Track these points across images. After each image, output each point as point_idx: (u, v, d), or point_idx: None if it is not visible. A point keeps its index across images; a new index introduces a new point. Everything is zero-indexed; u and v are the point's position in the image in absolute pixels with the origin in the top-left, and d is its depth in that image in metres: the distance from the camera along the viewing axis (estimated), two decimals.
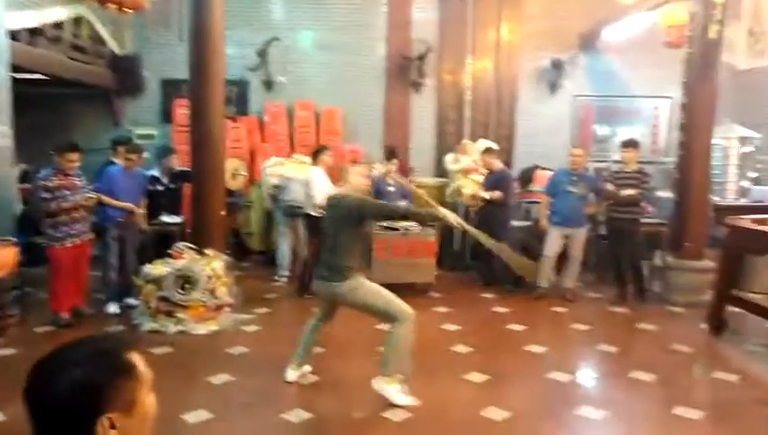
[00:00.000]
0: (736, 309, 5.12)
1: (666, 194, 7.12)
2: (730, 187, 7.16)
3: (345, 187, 3.89)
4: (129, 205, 5.50)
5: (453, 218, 3.82)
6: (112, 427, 1.04)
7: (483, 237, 4.16)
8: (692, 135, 5.99)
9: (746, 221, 5.00)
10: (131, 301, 5.51)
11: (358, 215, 3.68)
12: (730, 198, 7.06)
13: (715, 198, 6.73)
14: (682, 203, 6.08)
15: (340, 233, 3.70)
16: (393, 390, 3.60)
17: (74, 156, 5.02)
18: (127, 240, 5.65)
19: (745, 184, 7.18)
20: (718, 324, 5.07)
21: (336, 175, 6.86)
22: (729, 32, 6.56)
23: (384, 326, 4.97)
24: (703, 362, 4.65)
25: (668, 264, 6.14)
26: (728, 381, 4.13)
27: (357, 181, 3.86)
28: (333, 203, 3.84)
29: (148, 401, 1.13)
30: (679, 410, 3.61)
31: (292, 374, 3.96)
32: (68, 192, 4.99)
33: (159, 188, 6.32)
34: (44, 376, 1.05)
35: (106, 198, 5.35)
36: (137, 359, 1.13)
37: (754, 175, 7.28)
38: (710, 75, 5.87)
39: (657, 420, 3.60)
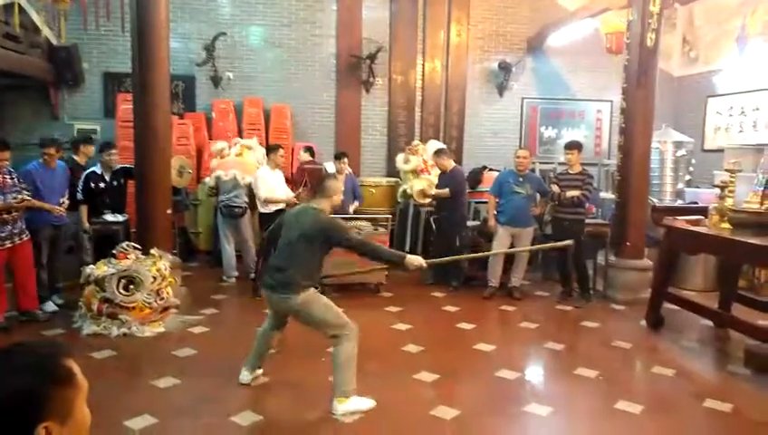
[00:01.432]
0: (673, 306, 5.37)
1: (608, 195, 7.39)
2: (666, 189, 7.49)
3: (321, 202, 3.64)
4: (50, 206, 5.21)
5: (419, 263, 3.63)
6: None
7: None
8: (631, 139, 6.23)
9: (681, 222, 5.25)
10: (54, 301, 5.47)
11: (325, 239, 3.52)
12: (667, 200, 7.39)
13: (654, 200, 7.03)
14: (623, 204, 6.32)
15: (303, 248, 3.51)
16: (355, 403, 3.53)
17: (4, 154, 4.76)
18: (58, 239, 5.51)
19: (680, 186, 7.53)
20: (656, 321, 5.30)
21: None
22: (665, 40, 6.85)
23: None
24: (642, 358, 4.85)
25: (610, 263, 6.37)
26: (666, 375, 4.31)
27: (335, 200, 3.67)
28: (302, 214, 3.63)
29: (85, 410, 1.11)
30: (621, 405, 3.75)
31: (246, 376, 3.89)
32: None
33: (101, 185, 6.07)
34: None
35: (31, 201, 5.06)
36: (75, 366, 1.10)
37: (688, 177, 7.65)
38: (647, 82, 6.11)
39: (601, 415, 3.72)
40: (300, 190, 6.49)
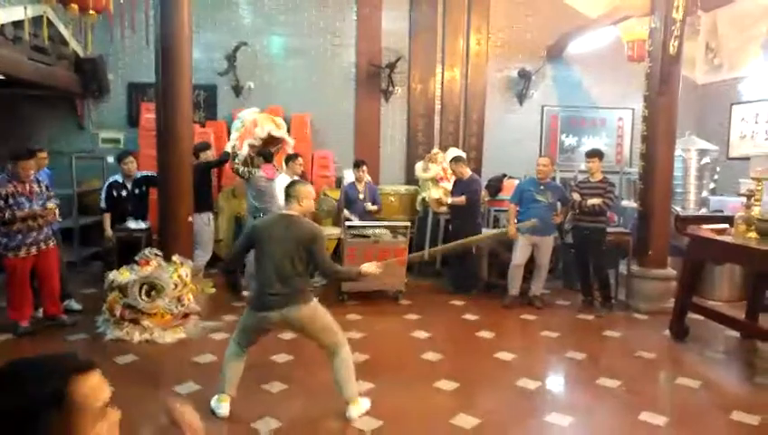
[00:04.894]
0: (698, 316, 5.27)
1: (630, 203, 7.30)
2: (690, 197, 7.37)
3: (294, 208, 3.56)
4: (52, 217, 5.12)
5: (373, 268, 3.62)
6: None
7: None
8: (653, 147, 6.16)
9: (707, 231, 5.16)
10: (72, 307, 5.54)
11: (307, 250, 3.47)
12: (691, 209, 7.27)
13: (677, 208, 6.93)
14: (646, 213, 6.24)
15: (302, 256, 3.47)
16: (363, 403, 3.64)
17: (29, 163, 4.86)
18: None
19: (705, 194, 7.41)
20: (680, 331, 5.21)
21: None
22: (688, 47, 6.77)
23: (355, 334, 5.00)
24: (666, 369, 4.76)
25: (633, 272, 6.28)
26: (691, 387, 4.23)
27: (307, 205, 3.60)
28: (290, 224, 3.50)
29: (98, 429, 1.07)
30: (645, 416, 3.68)
31: (226, 409, 3.55)
32: (23, 199, 4.82)
33: (123, 193, 6.18)
34: None
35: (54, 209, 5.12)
36: (86, 385, 1.06)
37: (712, 186, 7.52)
38: (670, 89, 6.04)
39: (624, 427, 3.66)
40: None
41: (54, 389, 1.02)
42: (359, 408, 3.59)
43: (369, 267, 3.60)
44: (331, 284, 6.00)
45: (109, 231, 6.01)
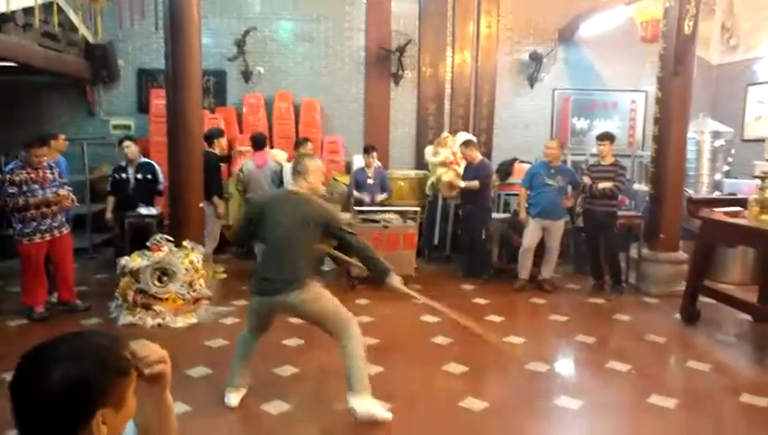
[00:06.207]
0: (709, 299, 5.23)
1: (642, 187, 7.23)
2: (703, 180, 7.29)
3: (301, 185, 3.35)
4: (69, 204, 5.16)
5: (398, 284, 3.36)
6: (103, 422, 1.05)
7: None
8: (666, 129, 6.08)
9: (719, 214, 5.10)
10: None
11: (324, 227, 3.28)
12: (703, 191, 7.19)
13: (689, 191, 6.86)
14: (657, 196, 6.18)
15: (306, 237, 3.26)
16: (371, 404, 3.32)
17: (42, 150, 4.92)
18: None
19: (718, 177, 7.32)
20: (691, 315, 5.18)
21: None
22: (703, 27, 6.65)
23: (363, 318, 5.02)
24: (677, 353, 4.74)
25: (644, 255, 6.24)
26: (701, 370, 4.22)
27: (315, 181, 3.37)
28: (296, 202, 3.29)
29: (134, 399, 1.14)
30: (654, 399, 3.69)
31: (234, 398, 3.51)
32: (37, 186, 4.88)
33: (124, 176, 6.20)
34: (38, 370, 1.02)
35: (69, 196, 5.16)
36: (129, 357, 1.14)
37: (726, 168, 7.43)
38: (684, 70, 5.95)
39: (634, 409, 3.66)
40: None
41: (120, 356, 1.10)
42: (363, 403, 3.27)
43: (397, 280, 3.35)
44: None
45: (109, 214, 6.09)
